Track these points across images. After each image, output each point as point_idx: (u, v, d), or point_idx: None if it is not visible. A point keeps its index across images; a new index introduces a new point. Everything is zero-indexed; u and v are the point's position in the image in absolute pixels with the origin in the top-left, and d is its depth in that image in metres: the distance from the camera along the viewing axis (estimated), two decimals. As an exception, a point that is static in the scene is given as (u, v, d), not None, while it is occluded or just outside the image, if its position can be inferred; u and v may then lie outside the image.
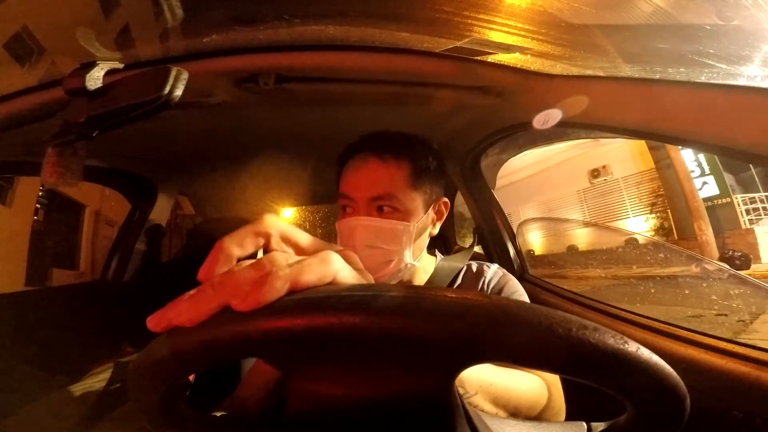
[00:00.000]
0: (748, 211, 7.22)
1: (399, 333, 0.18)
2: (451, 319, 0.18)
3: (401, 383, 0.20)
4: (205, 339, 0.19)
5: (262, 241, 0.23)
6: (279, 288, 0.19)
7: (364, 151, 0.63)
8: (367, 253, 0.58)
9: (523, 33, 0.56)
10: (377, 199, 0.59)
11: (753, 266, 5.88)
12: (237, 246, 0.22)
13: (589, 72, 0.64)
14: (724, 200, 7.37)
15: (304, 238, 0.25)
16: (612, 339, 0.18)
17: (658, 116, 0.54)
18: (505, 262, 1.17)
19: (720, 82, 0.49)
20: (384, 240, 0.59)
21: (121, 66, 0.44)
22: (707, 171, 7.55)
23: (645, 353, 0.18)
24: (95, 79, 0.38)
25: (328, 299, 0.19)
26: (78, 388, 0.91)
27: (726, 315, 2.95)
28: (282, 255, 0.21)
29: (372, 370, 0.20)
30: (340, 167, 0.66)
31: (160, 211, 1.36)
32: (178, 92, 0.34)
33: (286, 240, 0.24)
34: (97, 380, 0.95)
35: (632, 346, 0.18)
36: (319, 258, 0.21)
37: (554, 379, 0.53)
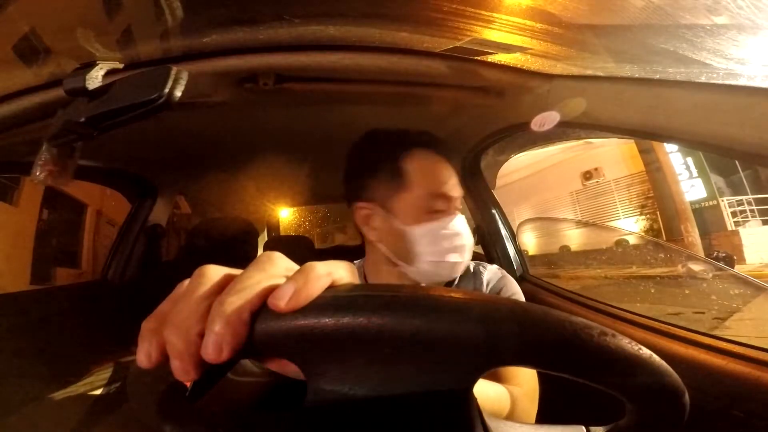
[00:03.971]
0: (734, 214, 7.29)
1: (425, 334, 0.18)
2: (475, 321, 0.18)
3: (422, 384, 0.20)
4: None
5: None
6: (320, 287, 0.20)
7: (420, 148, 0.61)
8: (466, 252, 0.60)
9: (523, 33, 0.56)
10: (458, 199, 0.61)
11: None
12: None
13: (589, 72, 0.64)
14: (711, 203, 7.43)
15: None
16: (629, 344, 0.18)
17: (658, 116, 0.54)
18: (505, 263, 1.17)
19: (720, 82, 0.49)
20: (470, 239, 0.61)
21: (121, 66, 0.44)
22: (695, 174, 7.60)
23: (645, 353, 0.18)
24: (95, 79, 0.38)
25: (356, 299, 0.19)
26: (78, 388, 0.91)
27: (703, 312, 3.01)
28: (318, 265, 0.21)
29: (395, 371, 0.20)
30: (392, 164, 0.60)
31: (160, 211, 1.36)
32: (178, 92, 0.34)
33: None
34: (97, 380, 0.95)
35: (645, 352, 0.18)
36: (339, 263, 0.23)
37: (525, 392, 0.50)
